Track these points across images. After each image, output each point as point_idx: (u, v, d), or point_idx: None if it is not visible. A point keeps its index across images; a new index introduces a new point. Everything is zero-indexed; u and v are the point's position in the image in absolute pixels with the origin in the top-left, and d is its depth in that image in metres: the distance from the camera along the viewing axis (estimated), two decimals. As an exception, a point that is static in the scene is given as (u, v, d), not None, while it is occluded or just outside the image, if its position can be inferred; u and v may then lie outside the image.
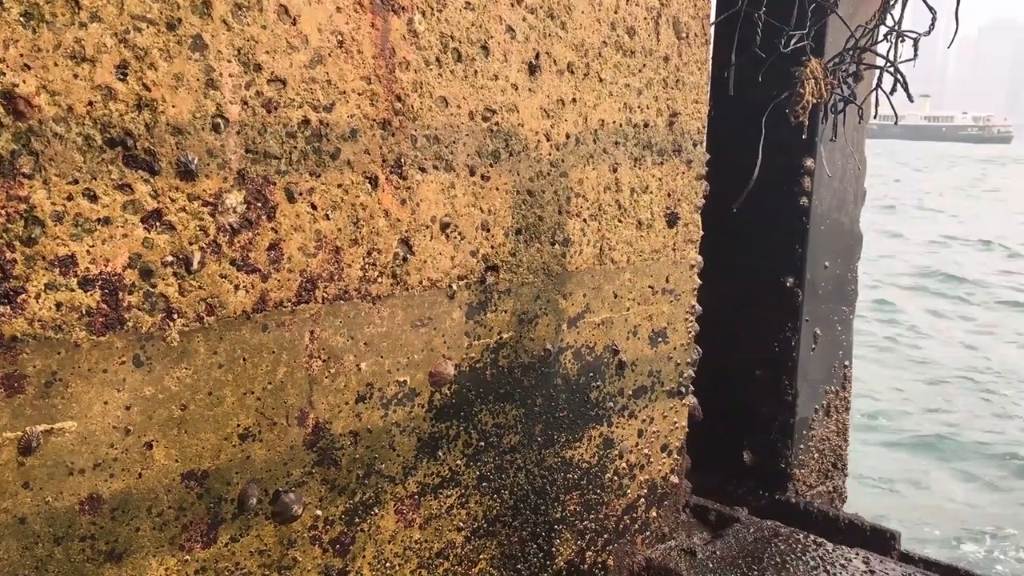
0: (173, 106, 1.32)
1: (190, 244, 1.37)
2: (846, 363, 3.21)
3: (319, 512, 1.62)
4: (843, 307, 3.15)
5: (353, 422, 1.64)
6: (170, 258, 1.35)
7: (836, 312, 3.12)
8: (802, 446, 3.07)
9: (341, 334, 1.59)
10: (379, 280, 1.63)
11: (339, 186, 1.54)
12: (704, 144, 2.27)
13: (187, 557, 1.45)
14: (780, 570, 2.23)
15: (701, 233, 2.30)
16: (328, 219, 1.53)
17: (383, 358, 1.66)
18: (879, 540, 2.74)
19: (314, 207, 1.51)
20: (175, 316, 1.37)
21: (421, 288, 1.70)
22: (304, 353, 1.54)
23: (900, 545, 2.74)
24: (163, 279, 1.35)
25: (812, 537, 2.43)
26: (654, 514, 2.32)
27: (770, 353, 3.01)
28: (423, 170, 1.66)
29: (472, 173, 1.75)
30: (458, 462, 1.84)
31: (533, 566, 2.03)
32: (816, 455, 3.15)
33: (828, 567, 2.25)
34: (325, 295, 1.55)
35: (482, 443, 1.87)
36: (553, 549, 2.07)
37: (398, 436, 1.72)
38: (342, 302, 1.58)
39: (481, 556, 1.92)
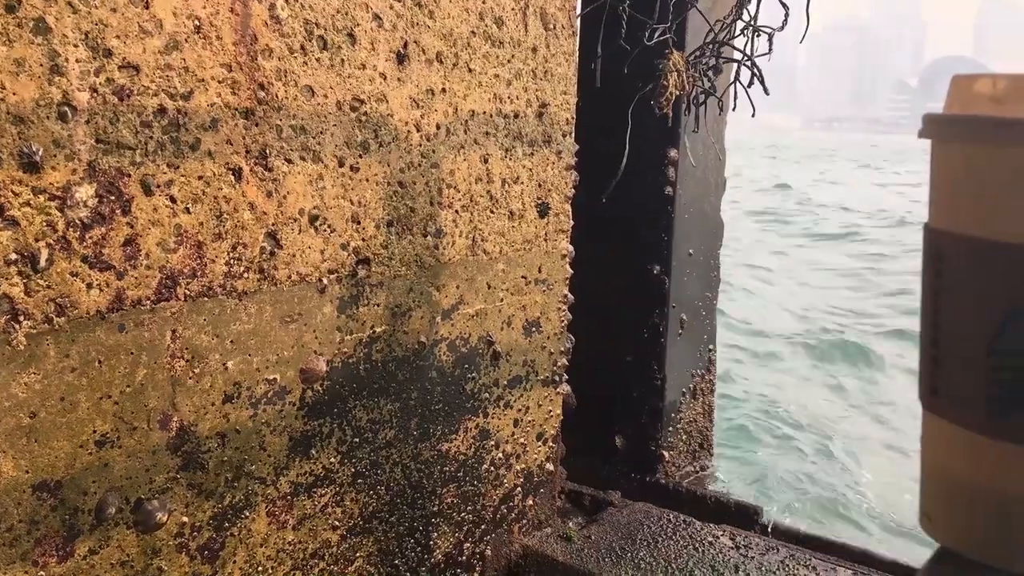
0: (14, 93, 1.23)
1: (36, 241, 1.28)
2: (710, 347, 3.33)
3: (185, 519, 1.55)
4: (707, 293, 3.27)
5: (220, 423, 1.58)
6: (14, 256, 1.26)
7: (701, 298, 3.23)
8: (671, 429, 3.17)
9: (205, 332, 1.53)
10: (245, 275, 1.57)
11: (200, 178, 1.47)
12: (573, 135, 2.29)
13: (41, 573, 1.36)
14: (652, 550, 2.29)
15: (572, 223, 2.33)
16: (189, 213, 1.47)
17: (251, 356, 1.61)
18: (744, 515, 2.86)
19: (173, 200, 1.44)
20: (21, 318, 1.28)
21: (290, 283, 1.65)
22: (165, 353, 1.47)
23: (763, 519, 2.87)
24: (7, 279, 1.26)
25: (682, 517, 2.50)
26: (531, 502, 2.34)
27: (639, 339, 3.09)
28: (290, 161, 1.61)
29: (341, 164, 1.71)
30: (332, 460, 1.80)
31: (411, 561, 2.02)
32: (684, 437, 3.26)
33: (697, 544, 2.33)
34: (187, 292, 1.48)
35: (357, 439, 1.84)
36: (431, 543, 2.06)
37: (269, 436, 1.67)
38: (206, 299, 1.52)
39: (358, 554, 1.89)
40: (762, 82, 2.80)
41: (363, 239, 1.78)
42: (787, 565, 2.22)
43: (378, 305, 1.84)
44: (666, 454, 3.18)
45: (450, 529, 2.11)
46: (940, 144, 0.64)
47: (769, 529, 2.82)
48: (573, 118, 2.29)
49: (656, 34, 2.62)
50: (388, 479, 1.93)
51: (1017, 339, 0.59)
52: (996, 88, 0.60)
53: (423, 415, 1.99)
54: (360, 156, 1.74)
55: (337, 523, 1.83)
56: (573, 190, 2.32)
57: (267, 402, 1.65)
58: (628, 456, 3.16)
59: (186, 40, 1.42)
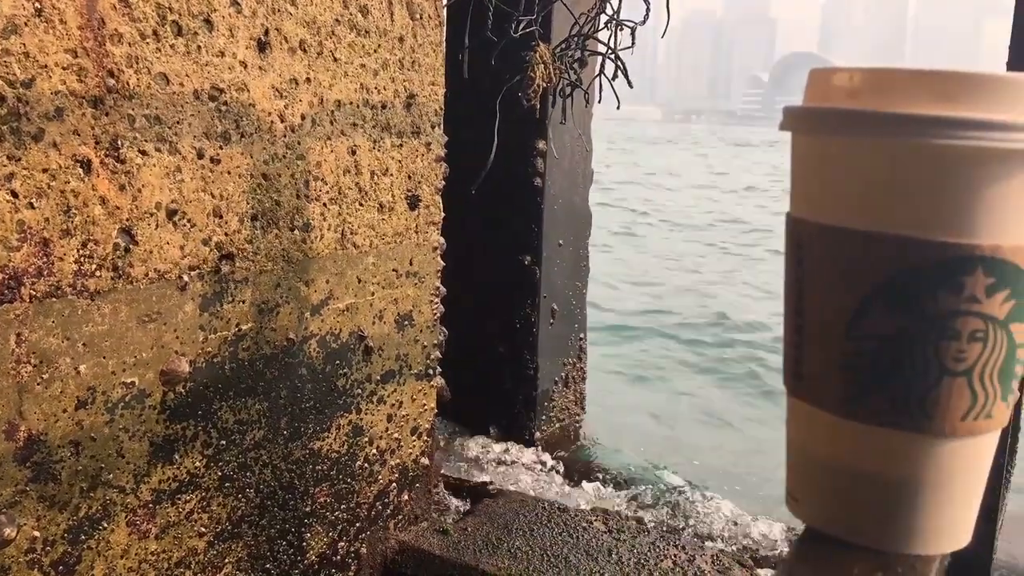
0: None
1: None
2: (581, 335, 3.39)
3: (37, 533, 1.46)
4: (577, 282, 3.32)
5: (73, 431, 1.49)
6: None
7: (571, 287, 3.28)
8: (544, 417, 3.21)
9: (55, 335, 1.43)
10: (98, 274, 1.49)
11: (45, 171, 1.38)
12: (442, 126, 2.28)
13: None
14: (529, 539, 2.31)
15: (443, 215, 2.31)
16: (33, 208, 1.37)
17: (106, 359, 1.52)
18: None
19: (15, 195, 1.34)
20: None
21: (147, 281, 1.57)
22: (10, 359, 1.37)
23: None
24: None
25: (557, 504, 2.54)
26: (406, 497, 2.32)
27: (512, 330, 3.11)
28: (144, 153, 1.53)
29: (200, 156, 1.64)
30: (197, 464, 1.73)
31: (283, 564, 1.97)
32: (557, 425, 3.30)
33: (572, 530, 2.36)
34: (33, 293, 1.39)
35: (223, 442, 1.77)
36: (304, 544, 2.02)
37: (127, 442, 1.58)
38: (54, 300, 1.42)
39: (226, 560, 1.82)
40: (626, 75, 2.86)
41: (226, 234, 1.71)
42: (657, 546, 2.28)
43: (244, 302, 1.77)
44: (540, 443, 3.22)
45: (324, 529, 2.07)
46: (798, 136, 0.66)
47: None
48: (442, 109, 2.27)
49: (522, 26, 2.63)
50: (257, 481, 1.87)
51: (871, 324, 0.62)
52: (852, 82, 0.62)
53: (293, 413, 1.94)
54: (221, 147, 1.67)
55: (204, 529, 1.76)
56: (443, 182, 2.31)
57: (125, 407, 1.57)
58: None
59: (26, 24, 1.32)
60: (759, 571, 2.23)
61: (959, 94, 0.58)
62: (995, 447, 0.66)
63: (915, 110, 0.58)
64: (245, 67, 1.70)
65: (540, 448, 3.18)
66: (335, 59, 1.90)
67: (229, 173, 1.70)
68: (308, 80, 1.84)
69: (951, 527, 0.65)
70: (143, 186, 1.54)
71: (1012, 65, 1.63)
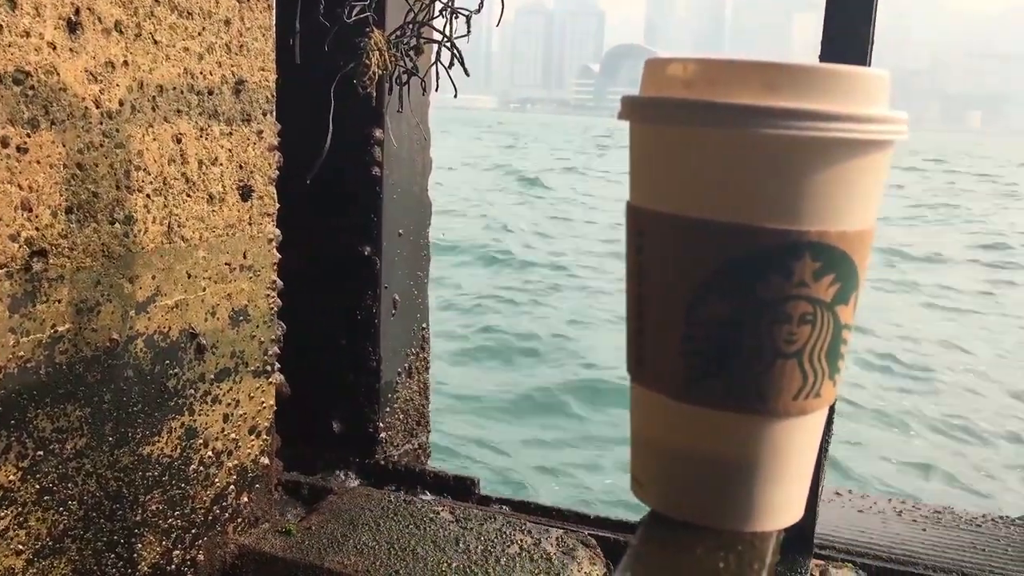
0: None
1: None
2: (423, 325, 3.37)
3: None
4: (418, 272, 3.30)
5: None
6: None
7: (412, 277, 3.25)
8: (388, 409, 3.17)
9: None
10: None
11: None
12: (274, 113, 2.20)
13: None
14: (375, 533, 2.28)
15: (278, 206, 2.24)
16: None
17: (-100, 368, 1.38)
18: (462, 488, 2.93)
19: None
20: None
21: (-54, 281, 1.44)
22: None
23: (480, 490, 2.96)
24: None
25: (403, 496, 2.52)
26: (245, 499, 2.24)
27: (353, 322, 3.05)
28: (-62, 141, 1.39)
29: (5, 145, 1.50)
30: (12, 478, 1.59)
31: (113, 578, 1.85)
32: (401, 416, 3.27)
33: (419, 522, 2.35)
34: None
35: (40, 452, 1.65)
36: (135, 555, 1.90)
37: (-72, 459, 1.44)
38: None
39: (49, 578, 1.70)
40: (462, 63, 2.85)
41: (37, 228, 1.59)
42: (504, 532, 2.31)
43: (59, 301, 1.65)
44: (384, 435, 3.18)
45: (156, 538, 1.96)
46: (636, 125, 0.67)
47: (494, 499, 2.92)
48: (274, 96, 2.19)
49: (355, 11, 2.58)
50: (81, 492, 1.75)
51: (708, 310, 0.63)
52: (686, 72, 0.63)
53: (119, 418, 1.82)
54: (29, 135, 1.54)
55: (21, 547, 1.63)
56: (278, 171, 2.23)
57: (-76, 420, 1.42)
58: (347, 440, 3.12)
59: None
60: (601, 551, 2.29)
61: (784, 85, 0.60)
62: (823, 424, 0.70)
63: (744, 100, 0.60)
64: (54, 48, 1.57)
65: (384, 440, 3.14)
66: (155, 41, 1.79)
67: (39, 163, 1.57)
68: (126, 63, 1.73)
69: (787, 503, 0.68)
70: (-62, 177, 1.40)
71: (825, 56, 1.73)
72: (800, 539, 1.83)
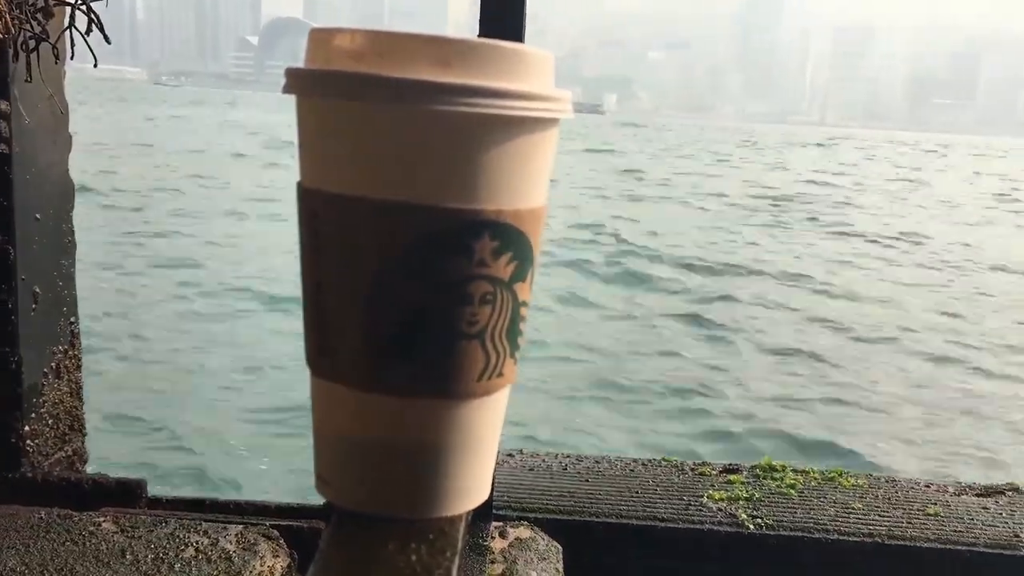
0: None
1: None
2: (72, 319, 3.05)
3: None
4: (63, 261, 2.97)
5: None
6: None
7: (56, 267, 2.92)
8: (33, 415, 2.84)
9: None
10: None
11: None
12: None
13: None
14: (24, 555, 2.04)
15: None
16: None
17: None
18: (128, 493, 2.70)
19: None
20: None
21: None
22: None
23: (147, 492, 2.75)
24: None
25: (56, 511, 2.26)
26: None
27: (-16, 320, 2.69)
28: None
29: None
30: None
31: None
32: (51, 421, 2.95)
33: (76, 537, 2.13)
34: None
35: None
36: None
37: None
38: None
39: None
40: (101, 29, 2.59)
41: None
42: (177, 536, 2.16)
43: None
44: (30, 444, 2.84)
45: None
46: (303, 100, 0.63)
47: (166, 500, 2.72)
48: None
49: (-33, -36, 2.24)
50: None
51: (390, 295, 0.61)
52: (354, 43, 0.60)
53: None
54: None
55: None
56: None
57: None
58: (-17, 455, 2.75)
59: None
60: (283, 541, 2.23)
61: (455, 61, 0.59)
62: (506, 403, 0.71)
63: (416, 75, 0.58)
64: None
65: (31, 449, 2.81)
66: None
67: None
68: None
69: (475, 484, 0.69)
70: None
71: (483, 36, 1.78)
72: (481, 511, 1.90)
